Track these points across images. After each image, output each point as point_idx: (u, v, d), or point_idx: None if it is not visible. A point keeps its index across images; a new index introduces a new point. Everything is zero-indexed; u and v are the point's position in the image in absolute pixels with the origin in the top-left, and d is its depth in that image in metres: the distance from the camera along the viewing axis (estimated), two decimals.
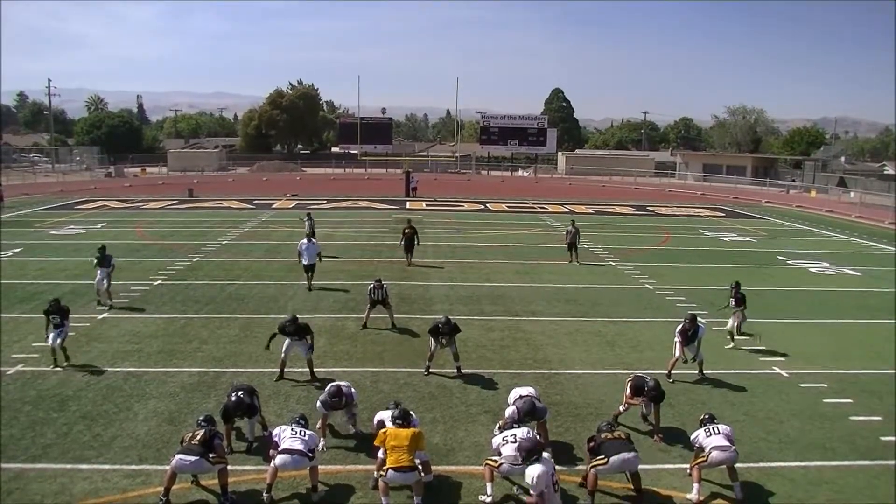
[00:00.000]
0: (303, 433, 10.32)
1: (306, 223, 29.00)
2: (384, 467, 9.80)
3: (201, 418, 10.65)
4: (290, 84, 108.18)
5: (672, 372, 14.86)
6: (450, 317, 15.14)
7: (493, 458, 10.20)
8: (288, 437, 10.21)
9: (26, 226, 36.81)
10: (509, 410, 11.45)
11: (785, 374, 15.45)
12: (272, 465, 10.08)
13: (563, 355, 16.43)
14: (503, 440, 10.21)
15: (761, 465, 11.20)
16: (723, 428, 10.63)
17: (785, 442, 12.06)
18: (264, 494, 9.95)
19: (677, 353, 14.85)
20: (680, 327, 14.93)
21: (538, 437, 10.65)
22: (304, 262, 22.54)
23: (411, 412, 10.76)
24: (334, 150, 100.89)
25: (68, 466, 10.72)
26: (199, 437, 10.03)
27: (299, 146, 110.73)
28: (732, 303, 17.71)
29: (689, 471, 10.60)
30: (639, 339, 17.72)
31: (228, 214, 42.33)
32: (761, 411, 13.37)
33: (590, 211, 47.30)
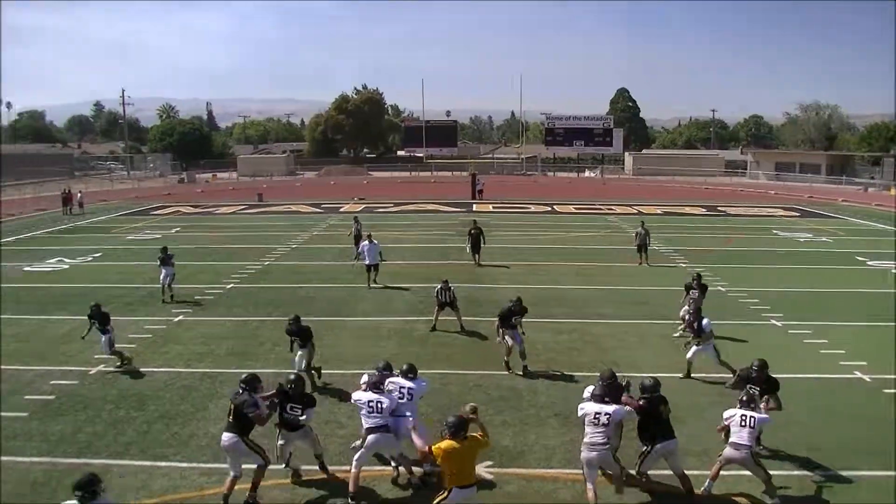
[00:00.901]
0: (379, 404, 10.02)
1: (354, 227, 29.20)
2: (446, 487, 8.60)
3: (241, 378, 10.30)
4: (355, 89, 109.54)
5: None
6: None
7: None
8: (369, 414, 10.00)
9: (104, 231, 38.07)
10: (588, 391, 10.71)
11: (867, 379, 14.93)
12: (359, 453, 10.00)
13: (634, 358, 16.17)
14: (595, 417, 9.65)
15: (844, 472, 10.83)
16: (759, 418, 10.00)
17: (868, 449, 11.61)
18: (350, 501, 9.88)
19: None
20: (687, 318, 15.41)
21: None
22: (367, 261, 23.22)
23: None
24: (400, 153, 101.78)
25: (148, 463, 11.02)
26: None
27: (365, 150, 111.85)
28: (695, 294, 17.75)
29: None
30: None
31: (297, 218, 42.99)
32: (843, 417, 12.94)
33: (658, 212, 46.57)
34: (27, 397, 13.85)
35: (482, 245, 26.86)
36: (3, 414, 13.05)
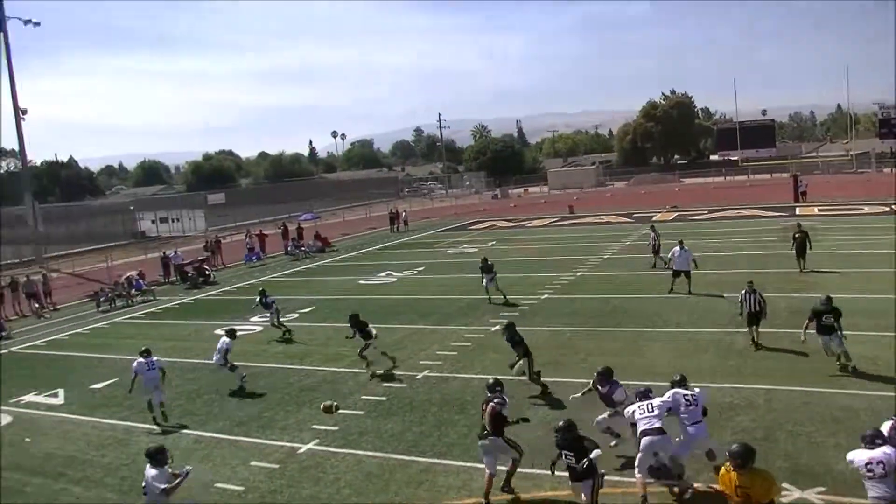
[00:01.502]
0: (650, 405, 10.23)
1: (651, 236, 28.38)
2: None
3: (487, 384, 11.27)
4: (663, 94, 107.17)
5: None
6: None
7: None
8: (640, 417, 10.20)
9: (427, 246, 40.88)
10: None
11: None
12: (638, 458, 9.99)
13: None
14: (868, 469, 8.04)
15: None
16: None
17: None
18: None
19: None
20: None
21: None
22: (675, 267, 22.91)
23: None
24: (713, 157, 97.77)
25: (468, 464, 11.54)
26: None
27: (676, 156, 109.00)
28: None
29: None
30: None
31: (608, 229, 42.90)
32: None
33: None
34: (363, 397, 15.28)
35: (808, 250, 24.87)
36: (345, 412, 14.49)
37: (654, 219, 45.60)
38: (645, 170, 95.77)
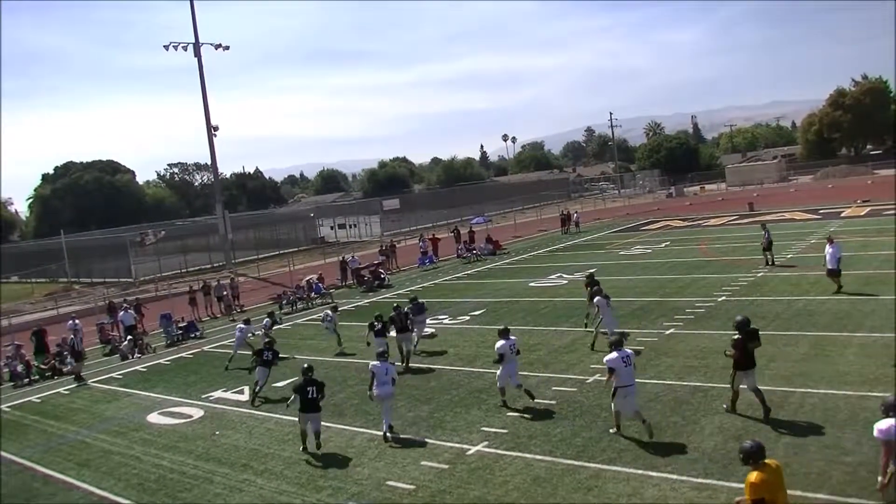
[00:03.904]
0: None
1: (764, 235, 28.13)
2: None
3: None
4: (853, 80, 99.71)
5: None
6: None
7: None
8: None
9: (598, 248, 40.25)
10: None
11: None
12: None
13: None
14: None
15: None
16: None
17: None
18: None
19: None
20: None
21: None
22: (828, 266, 22.10)
23: None
24: None
25: (639, 472, 11.18)
26: None
27: (868, 147, 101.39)
28: None
29: None
30: None
31: (792, 227, 40.49)
32: None
33: None
34: (533, 400, 15.12)
35: None
36: (514, 415, 14.45)
37: (842, 214, 42.81)
38: (833, 162, 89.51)
